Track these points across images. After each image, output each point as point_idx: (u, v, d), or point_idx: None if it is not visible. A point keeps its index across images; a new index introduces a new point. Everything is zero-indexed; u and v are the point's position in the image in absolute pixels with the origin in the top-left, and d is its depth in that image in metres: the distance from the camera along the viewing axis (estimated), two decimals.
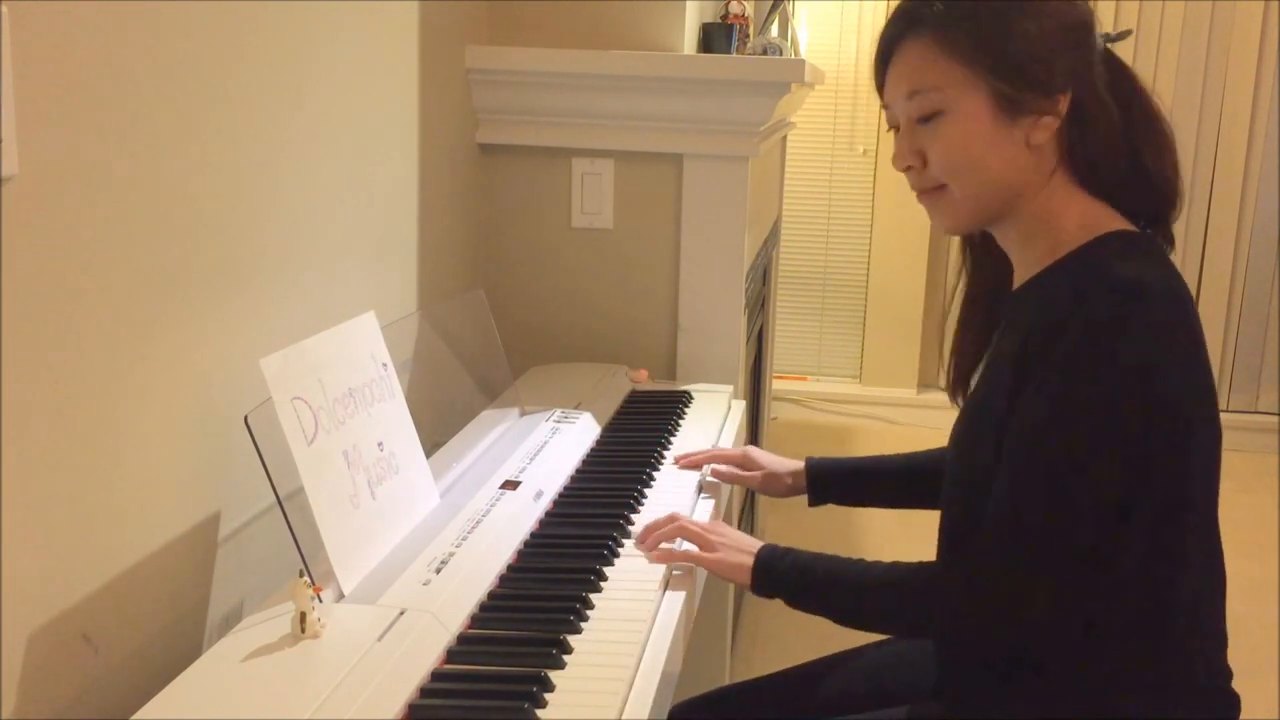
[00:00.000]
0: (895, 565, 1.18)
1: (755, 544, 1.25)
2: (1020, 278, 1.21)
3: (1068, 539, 1.06)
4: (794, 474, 1.55)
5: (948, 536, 1.24)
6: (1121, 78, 1.18)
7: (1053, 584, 1.08)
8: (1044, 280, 1.16)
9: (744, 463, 1.57)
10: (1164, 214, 1.19)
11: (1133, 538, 1.08)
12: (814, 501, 1.55)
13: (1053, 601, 1.09)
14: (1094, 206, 1.16)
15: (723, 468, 1.56)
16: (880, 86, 1.22)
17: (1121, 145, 1.16)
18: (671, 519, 1.28)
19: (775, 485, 1.56)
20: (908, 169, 1.20)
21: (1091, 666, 1.12)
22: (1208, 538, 1.14)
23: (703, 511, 1.45)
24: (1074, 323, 1.05)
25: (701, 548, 1.25)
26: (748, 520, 2.79)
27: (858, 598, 1.19)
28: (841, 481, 1.54)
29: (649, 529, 1.28)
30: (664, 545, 1.25)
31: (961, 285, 1.35)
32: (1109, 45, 1.18)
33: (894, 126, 1.22)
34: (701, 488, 1.51)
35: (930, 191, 1.19)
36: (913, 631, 1.24)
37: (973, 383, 1.30)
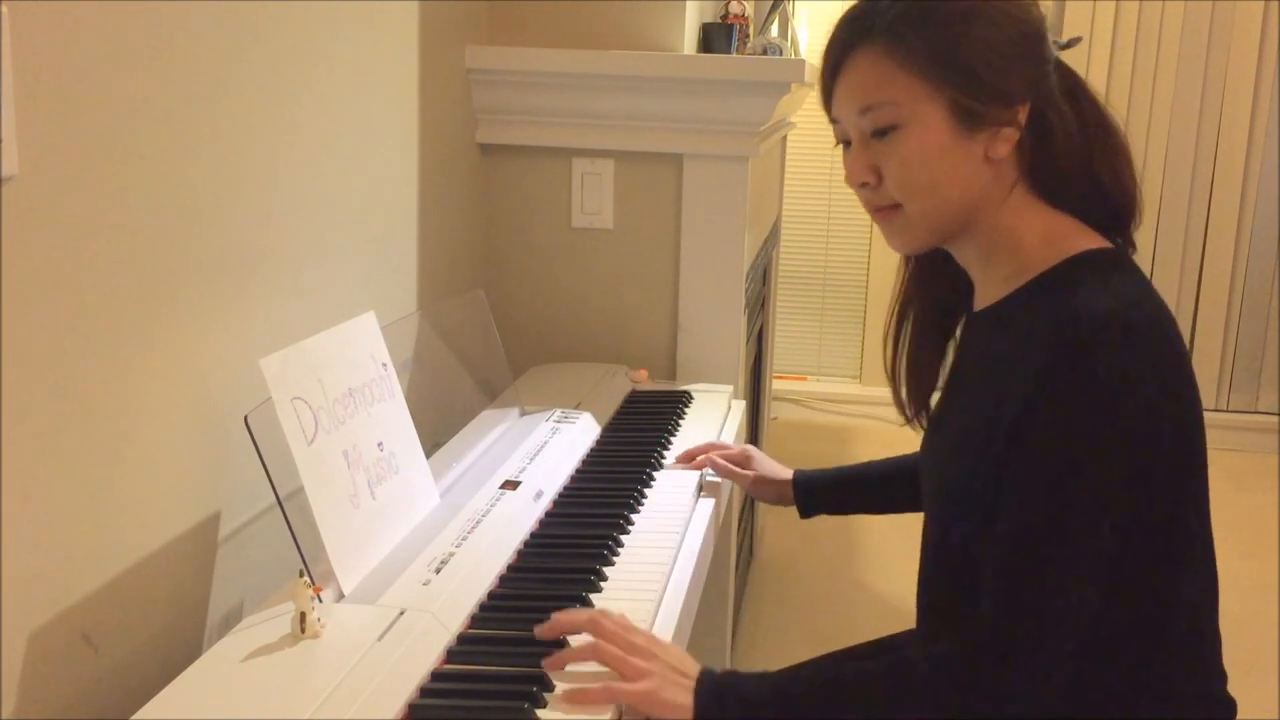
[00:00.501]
0: (880, 663, 1.05)
1: (692, 666, 1.04)
2: (984, 296, 1.17)
3: (1084, 573, 1.02)
4: (784, 484, 1.56)
5: (933, 593, 1.21)
6: (1074, 86, 1.14)
7: (1075, 616, 1.02)
8: (1015, 305, 1.11)
9: (741, 461, 1.58)
10: (1124, 224, 1.16)
11: (1134, 547, 1.06)
12: (805, 514, 1.56)
13: (1075, 632, 1.03)
14: (1055, 220, 1.13)
15: (719, 460, 1.56)
16: (828, 99, 1.16)
17: (1084, 158, 1.12)
18: (591, 622, 1.03)
19: (764, 490, 1.57)
20: (862, 186, 1.14)
21: (1088, 672, 1.11)
22: (1203, 542, 1.13)
23: (701, 516, 1.42)
24: (1062, 362, 1.01)
25: (625, 675, 0.99)
26: (748, 523, 2.79)
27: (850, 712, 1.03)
28: (828, 493, 1.55)
29: (554, 625, 1.04)
30: (577, 678, 1.00)
31: (901, 303, 1.29)
32: (1060, 52, 1.14)
33: (843, 142, 1.17)
34: (701, 487, 1.52)
35: (885, 210, 1.14)
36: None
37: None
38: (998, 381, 1.08)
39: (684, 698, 1.00)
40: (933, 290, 1.27)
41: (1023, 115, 1.10)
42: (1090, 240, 1.12)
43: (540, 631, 1.03)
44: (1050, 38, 1.13)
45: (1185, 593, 1.11)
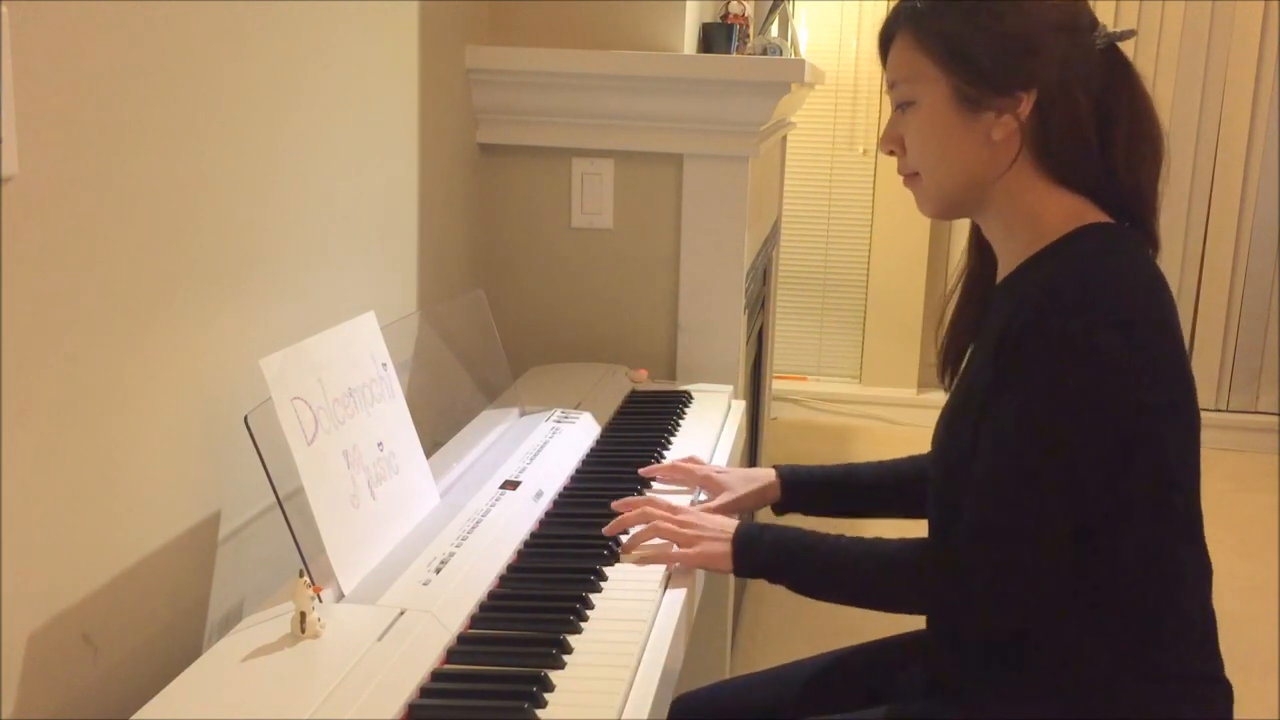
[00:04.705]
0: (879, 543, 1.19)
1: (731, 525, 1.25)
2: (1004, 269, 1.24)
3: (1044, 520, 1.10)
4: (765, 486, 1.47)
5: (935, 523, 1.26)
6: (1121, 81, 1.19)
7: (1035, 560, 1.11)
8: (1023, 273, 1.19)
9: (705, 486, 1.48)
10: (1138, 221, 1.20)
11: (1121, 524, 1.12)
12: (780, 510, 1.49)
13: (1038, 578, 1.11)
14: (1073, 201, 1.18)
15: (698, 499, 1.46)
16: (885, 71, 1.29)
17: (1092, 149, 1.17)
18: (643, 514, 1.28)
19: (746, 503, 1.47)
20: (890, 153, 1.27)
21: (1084, 654, 1.14)
22: (1191, 523, 1.17)
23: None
24: (1048, 317, 1.08)
25: (678, 544, 1.24)
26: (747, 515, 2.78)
27: (844, 577, 1.20)
28: (812, 492, 1.48)
29: (620, 521, 1.28)
30: (643, 544, 1.25)
31: (961, 274, 1.37)
32: (1117, 45, 1.19)
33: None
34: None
35: (909, 177, 1.26)
36: (904, 610, 1.24)
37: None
38: (992, 343, 1.14)
39: (724, 548, 1.23)
40: (984, 266, 1.32)
41: (1025, 104, 1.16)
42: (1103, 218, 1.18)
43: (608, 530, 1.27)
44: (1099, 29, 1.18)
45: (1178, 564, 1.15)
